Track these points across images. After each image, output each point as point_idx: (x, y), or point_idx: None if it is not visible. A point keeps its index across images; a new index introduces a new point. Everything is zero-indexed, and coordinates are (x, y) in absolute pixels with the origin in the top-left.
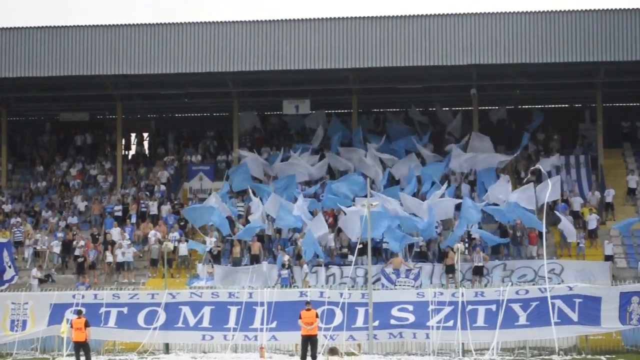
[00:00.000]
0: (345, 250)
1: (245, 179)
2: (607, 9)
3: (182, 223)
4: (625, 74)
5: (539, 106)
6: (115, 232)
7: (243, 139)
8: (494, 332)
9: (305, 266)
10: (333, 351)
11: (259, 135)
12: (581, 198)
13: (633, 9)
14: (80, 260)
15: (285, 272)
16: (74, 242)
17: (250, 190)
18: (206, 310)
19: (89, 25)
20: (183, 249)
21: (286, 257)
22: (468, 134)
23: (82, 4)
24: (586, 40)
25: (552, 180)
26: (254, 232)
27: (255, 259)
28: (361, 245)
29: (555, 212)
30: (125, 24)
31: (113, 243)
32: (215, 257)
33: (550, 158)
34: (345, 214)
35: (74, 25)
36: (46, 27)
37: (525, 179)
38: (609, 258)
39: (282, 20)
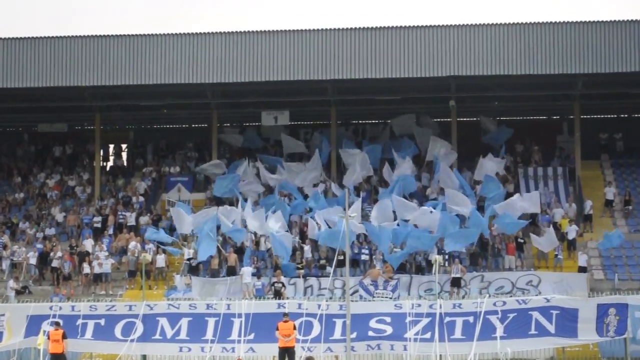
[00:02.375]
0: (323, 261)
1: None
2: (585, 22)
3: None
4: (603, 86)
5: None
6: (88, 244)
7: (222, 150)
8: (472, 343)
9: (280, 278)
10: None
11: (237, 148)
12: (562, 210)
13: (610, 21)
14: (60, 271)
15: (259, 284)
16: (51, 254)
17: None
18: (184, 322)
19: (68, 36)
20: (160, 261)
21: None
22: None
23: (60, 15)
24: (564, 53)
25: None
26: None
27: (232, 271)
28: (341, 257)
29: (538, 224)
30: (104, 35)
31: (88, 254)
32: (194, 269)
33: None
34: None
35: (52, 37)
36: (24, 38)
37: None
38: (582, 269)
39: (261, 31)
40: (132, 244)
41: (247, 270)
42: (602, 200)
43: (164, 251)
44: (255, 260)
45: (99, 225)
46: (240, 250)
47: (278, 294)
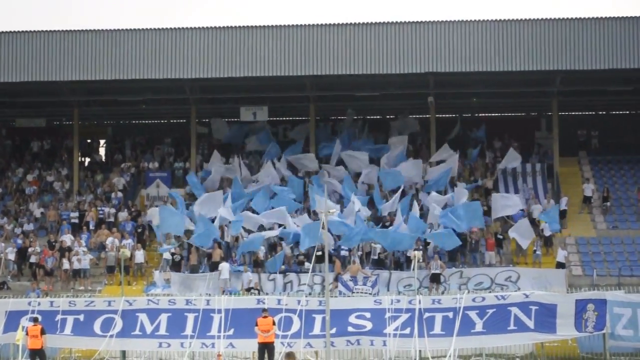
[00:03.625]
0: (302, 257)
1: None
2: (563, 19)
3: (139, 230)
4: (581, 82)
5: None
6: (67, 239)
7: (200, 146)
8: (451, 339)
9: (248, 273)
10: (290, 356)
11: (216, 143)
12: (541, 206)
13: (588, 18)
14: (38, 267)
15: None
16: (30, 249)
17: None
18: (163, 318)
19: (45, 31)
20: (139, 257)
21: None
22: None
23: (37, 10)
24: (542, 49)
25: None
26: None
27: (215, 267)
28: (319, 252)
29: (512, 220)
30: (82, 30)
31: (69, 250)
32: (176, 265)
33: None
34: None
35: (30, 31)
36: (1, 32)
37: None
38: (560, 265)
39: (239, 27)
40: (110, 240)
41: (225, 266)
42: (581, 197)
43: (143, 247)
44: (234, 255)
45: (76, 220)
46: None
47: None
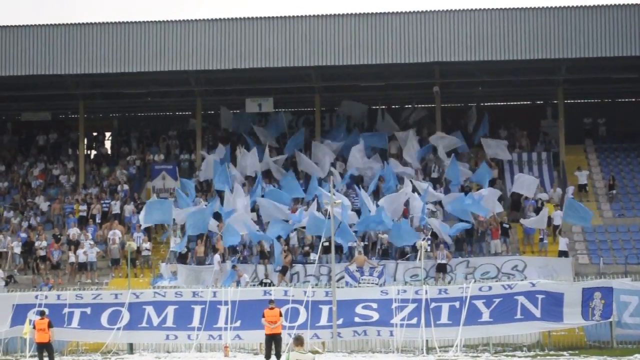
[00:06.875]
0: (307, 248)
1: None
2: (569, 7)
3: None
4: (587, 70)
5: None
6: (74, 232)
7: (205, 137)
8: (458, 329)
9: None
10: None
11: (220, 134)
12: (546, 194)
13: (593, 6)
14: (44, 260)
15: (246, 276)
16: (37, 243)
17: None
18: (170, 310)
19: (50, 24)
20: (146, 249)
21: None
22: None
23: (42, 3)
24: (548, 38)
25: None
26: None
27: (221, 258)
28: (326, 243)
29: (522, 209)
30: (86, 23)
31: (77, 243)
32: (183, 257)
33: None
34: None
35: (35, 24)
36: (6, 26)
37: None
38: (563, 253)
39: (244, 18)
40: (113, 232)
41: (216, 258)
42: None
43: (149, 239)
44: (242, 247)
45: (83, 214)
46: None
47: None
